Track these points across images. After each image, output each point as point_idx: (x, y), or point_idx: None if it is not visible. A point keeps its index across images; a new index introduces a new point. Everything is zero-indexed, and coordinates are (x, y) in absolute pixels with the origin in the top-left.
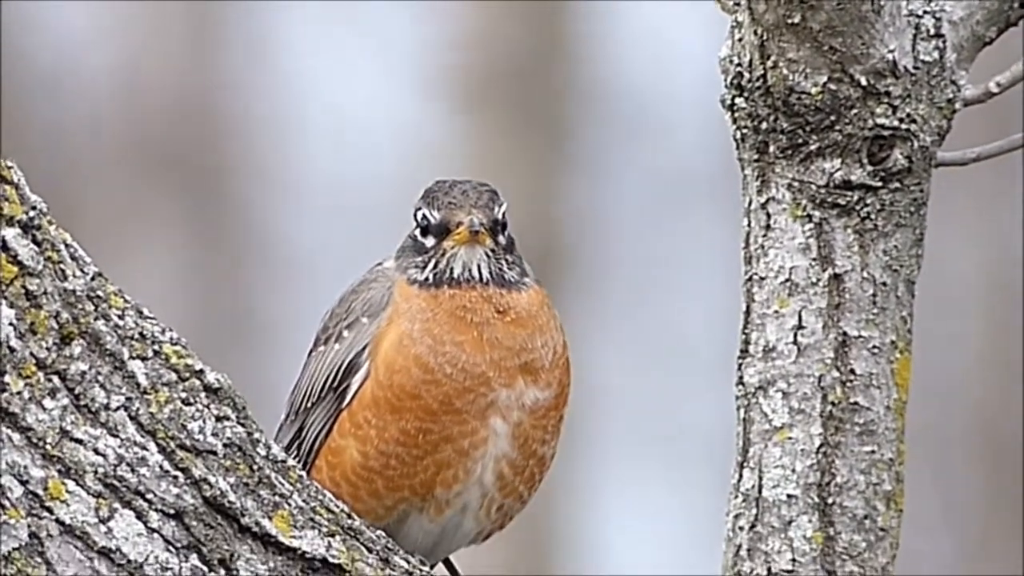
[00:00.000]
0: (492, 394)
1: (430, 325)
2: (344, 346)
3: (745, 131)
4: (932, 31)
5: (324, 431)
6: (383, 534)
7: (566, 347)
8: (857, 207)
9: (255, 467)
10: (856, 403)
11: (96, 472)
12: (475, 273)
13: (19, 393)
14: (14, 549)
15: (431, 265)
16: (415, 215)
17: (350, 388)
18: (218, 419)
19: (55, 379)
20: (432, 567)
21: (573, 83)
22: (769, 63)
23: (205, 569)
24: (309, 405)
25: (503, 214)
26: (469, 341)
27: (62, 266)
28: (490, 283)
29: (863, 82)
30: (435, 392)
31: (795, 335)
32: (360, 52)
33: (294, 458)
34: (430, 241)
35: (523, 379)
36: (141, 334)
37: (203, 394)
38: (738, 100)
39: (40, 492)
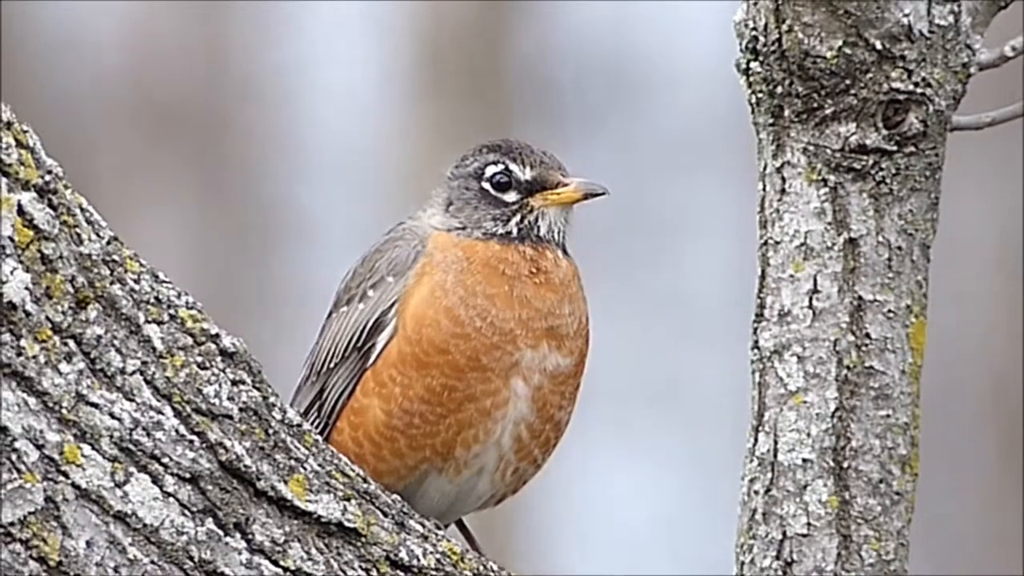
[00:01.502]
0: (517, 353)
1: (464, 276)
2: (369, 305)
3: (760, 95)
4: None
5: (347, 391)
6: (399, 498)
7: (589, 320)
8: (872, 171)
9: (270, 431)
10: (871, 367)
11: (112, 436)
12: (556, 235)
13: (35, 357)
14: (30, 513)
15: (516, 219)
16: (483, 170)
17: (375, 347)
18: (234, 383)
19: (71, 343)
20: (445, 527)
21: (558, 45)
22: (784, 27)
23: (221, 533)
24: (332, 366)
25: None
26: (500, 295)
27: (78, 230)
28: (559, 247)
29: (878, 46)
30: (463, 347)
31: (810, 299)
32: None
33: (315, 419)
34: (511, 196)
35: (547, 343)
36: (157, 298)
37: (219, 358)
38: (753, 64)
39: (56, 456)
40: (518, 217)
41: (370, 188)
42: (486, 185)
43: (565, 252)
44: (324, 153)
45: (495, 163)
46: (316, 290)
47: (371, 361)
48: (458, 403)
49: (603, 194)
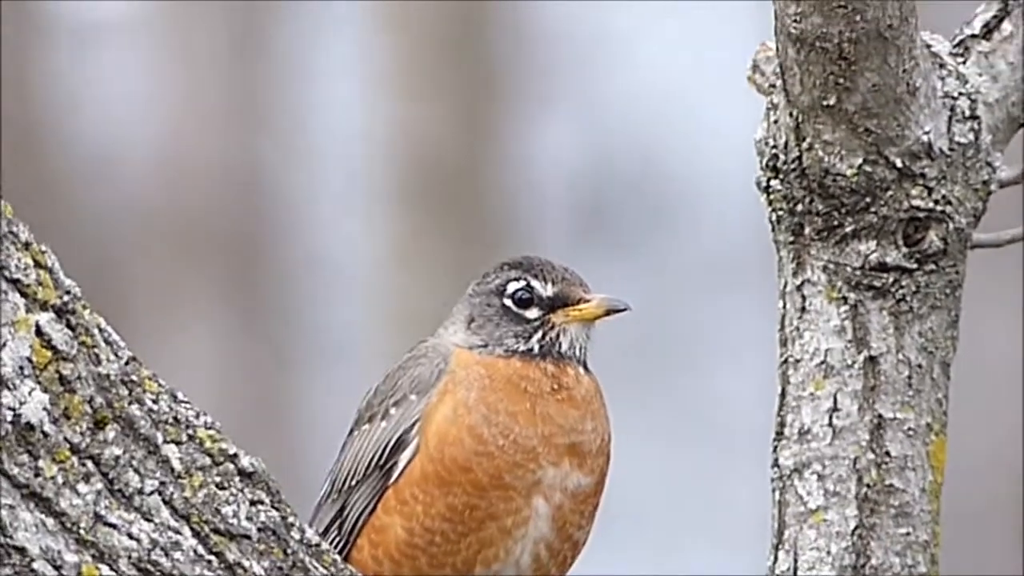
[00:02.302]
0: (540, 471)
1: (486, 393)
2: (391, 424)
3: (780, 213)
4: (967, 113)
5: (368, 509)
6: None
7: (611, 438)
8: (892, 289)
9: (289, 551)
10: (891, 485)
11: (130, 557)
12: (578, 352)
13: (53, 478)
14: None
15: (537, 336)
16: (505, 286)
17: (397, 465)
18: (252, 503)
19: (89, 464)
20: None
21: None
22: (804, 145)
23: None
24: (353, 483)
25: None
26: (522, 413)
27: (96, 350)
28: (580, 364)
29: (898, 164)
30: (486, 465)
31: (830, 417)
32: None
33: (335, 537)
34: (533, 313)
35: (569, 460)
36: (175, 418)
37: (237, 478)
38: (773, 182)
39: None
40: (540, 334)
41: (389, 308)
42: (508, 302)
43: (587, 368)
44: (348, 270)
45: (517, 279)
46: (341, 411)
47: (393, 479)
48: (479, 522)
49: (625, 310)
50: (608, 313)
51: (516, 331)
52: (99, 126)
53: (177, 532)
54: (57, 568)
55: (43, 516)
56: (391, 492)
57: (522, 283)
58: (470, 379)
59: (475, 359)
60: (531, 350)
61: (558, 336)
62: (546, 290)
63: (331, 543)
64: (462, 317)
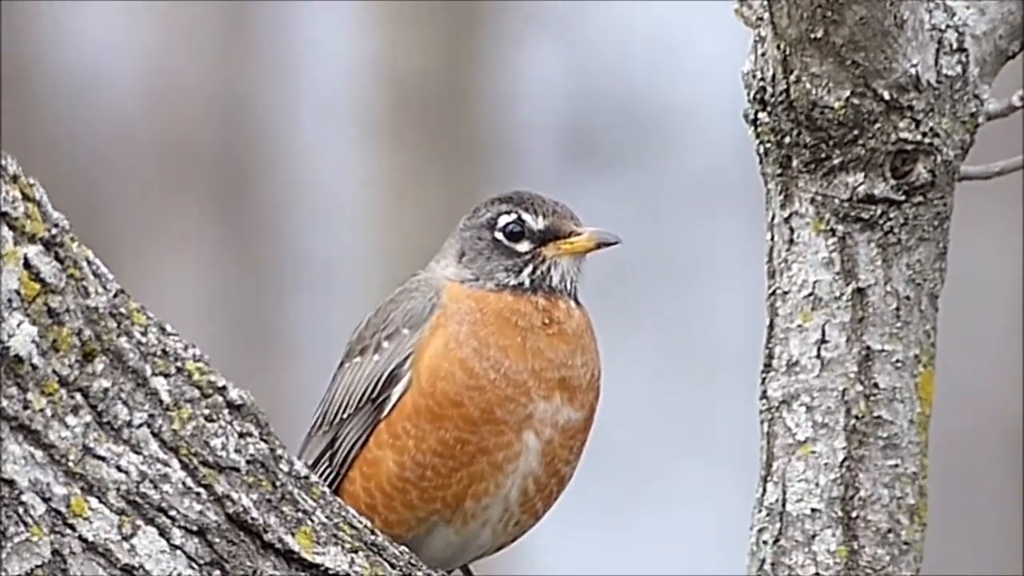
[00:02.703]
0: (531, 405)
1: (477, 328)
2: (384, 357)
3: (768, 145)
4: (955, 45)
5: (360, 442)
6: (406, 550)
7: (601, 373)
8: (880, 221)
9: (278, 483)
10: (879, 417)
11: (119, 489)
12: (568, 285)
13: (42, 410)
14: (36, 566)
15: (528, 270)
16: (496, 220)
17: (389, 399)
18: (241, 435)
19: (77, 396)
20: (449, 573)
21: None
22: (792, 77)
23: None
24: (344, 416)
25: None
26: (513, 347)
27: (84, 283)
28: (571, 297)
29: (886, 96)
30: (478, 399)
31: (818, 349)
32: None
33: (327, 469)
34: (524, 246)
35: (560, 395)
36: (164, 351)
37: (226, 411)
38: (761, 115)
39: (63, 509)
40: (530, 267)
41: (381, 238)
42: (499, 235)
43: (577, 302)
44: (337, 198)
45: (507, 213)
46: (331, 341)
47: (385, 413)
48: (470, 456)
49: (616, 243)
50: (599, 246)
51: (507, 265)
52: (82, 51)
53: (166, 464)
54: (46, 500)
55: (32, 448)
56: (383, 426)
57: (513, 216)
58: (461, 313)
59: (466, 293)
60: (522, 284)
61: (549, 269)
62: (537, 223)
63: (321, 475)
64: (453, 251)
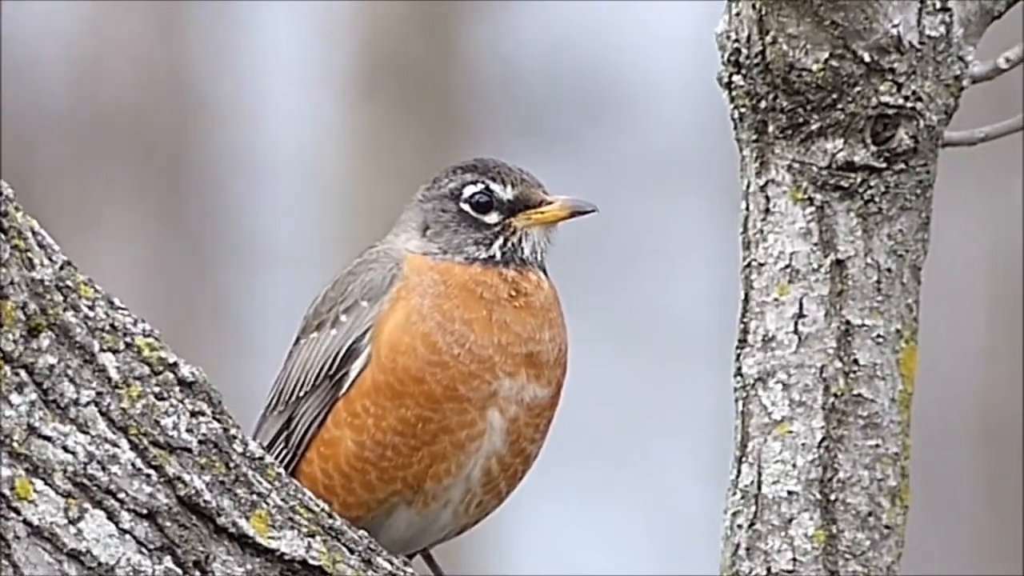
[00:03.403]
0: (496, 382)
1: (440, 300)
2: (342, 332)
3: (743, 110)
4: (938, 4)
5: (317, 421)
6: (365, 534)
7: (568, 348)
8: (860, 190)
9: (231, 464)
10: (859, 395)
11: (65, 471)
12: (539, 257)
13: None
14: None
15: (499, 242)
16: (461, 190)
17: (348, 376)
18: (193, 414)
19: (22, 373)
20: (411, 557)
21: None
22: (768, 39)
23: (179, 571)
24: (301, 395)
25: None
26: (478, 320)
27: (29, 255)
28: (541, 269)
29: (866, 58)
30: (440, 375)
31: (796, 324)
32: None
33: (282, 450)
34: (493, 217)
35: (526, 372)
36: (112, 326)
37: (177, 388)
38: (736, 78)
39: (6, 492)
40: (501, 239)
41: (327, 206)
42: (465, 207)
43: (546, 274)
44: (280, 169)
45: (473, 183)
46: (279, 318)
47: (343, 390)
48: (432, 435)
49: (592, 211)
50: (573, 215)
51: (476, 238)
52: (14, 20)
53: (114, 445)
54: None
55: None
56: (341, 404)
57: (480, 186)
58: (424, 285)
59: (429, 264)
60: (493, 257)
61: (520, 241)
62: (506, 193)
63: (277, 456)
64: (414, 224)
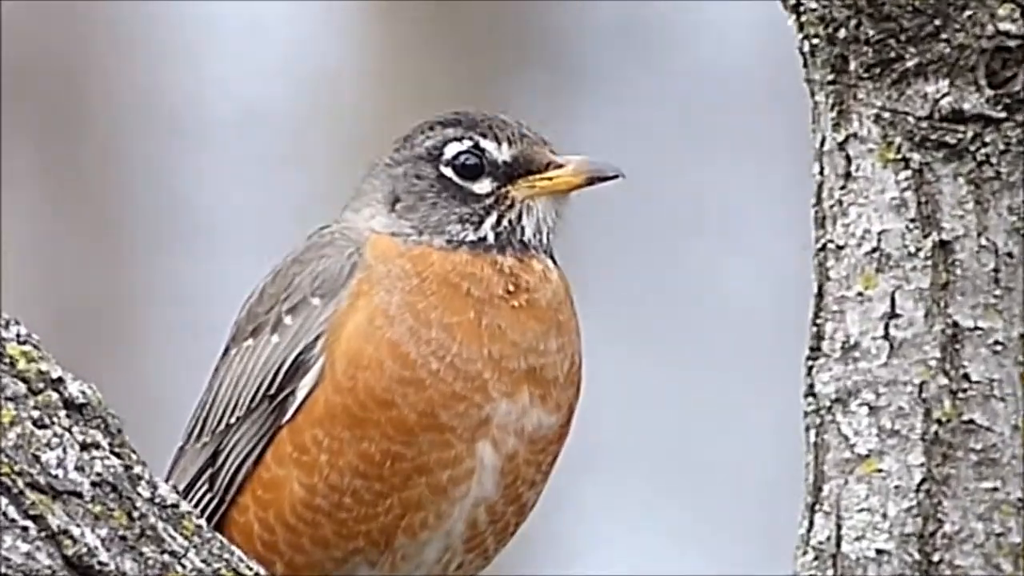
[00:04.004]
0: (488, 406)
1: (414, 298)
2: (286, 338)
3: (816, 41)
4: None
5: (253, 457)
6: None
7: (582, 361)
8: (972, 148)
9: (135, 514)
10: (971, 421)
11: None
12: (544, 239)
13: None
14: None
15: (492, 219)
16: (442, 149)
17: (294, 396)
18: (84, 447)
19: None
20: None
21: None
22: None
23: None
24: (232, 421)
25: None
26: (463, 325)
27: None
28: (547, 255)
29: None
30: (414, 398)
31: (886, 327)
32: None
33: (206, 494)
34: (484, 186)
35: (529, 392)
36: None
37: (63, 413)
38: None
39: None
40: (494, 215)
41: (287, 166)
42: (447, 171)
43: (555, 262)
44: (218, 117)
45: (458, 139)
46: (209, 314)
47: (288, 416)
48: (405, 477)
49: (615, 177)
50: (591, 182)
51: (461, 213)
52: None
53: None
54: None
55: None
56: (285, 434)
57: (467, 144)
58: (392, 277)
59: (398, 249)
60: (484, 239)
61: (520, 217)
62: (501, 152)
63: (198, 503)
64: (380, 196)
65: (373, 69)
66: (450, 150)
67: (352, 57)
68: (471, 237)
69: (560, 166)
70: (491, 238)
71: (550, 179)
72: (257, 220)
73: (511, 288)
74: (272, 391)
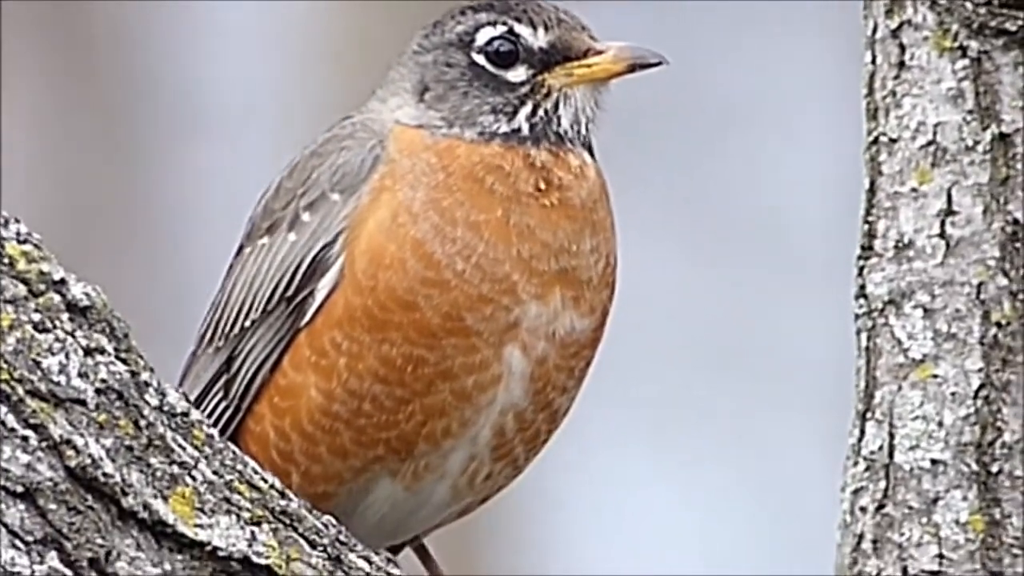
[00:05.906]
0: (517, 309)
1: (439, 194)
2: (304, 236)
3: None
4: None
5: (270, 362)
6: (333, 520)
7: (617, 262)
8: None
9: (142, 423)
10: None
11: None
12: (582, 130)
13: None
14: None
15: (527, 109)
16: (474, 35)
17: (313, 297)
18: (88, 352)
19: None
20: (398, 551)
21: None
22: None
23: (69, 574)
24: (247, 325)
25: None
26: (491, 223)
27: None
28: (585, 148)
29: None
30: (438, 300)
31: (942, 224)
32: None
33: (220, 402)
34: (519, 74)
35: (561, 294)
36: None
37: (65, 316)
38: None
39: None
40: (529, 105)
41: (306, 61)
42: (479, 58)
43: (592, 155)
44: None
45: (491, 24)
46: (223, 211)
47: (306, 319)
48: (427, 383)
49: (658, 64)
50: (632, 69)
51: (494, 103)
52: None
53: None
54: None
55: None
56: (303, 337)
57: (501, 29)
58: (417, 172)
59: (424, 142)
60: (518, 130)
61: (557, 106)
62: (536, 38)
63: (211, 412)
64: (408, 85)
65: None
66: (482, 36)
67: None
68: (504, 128)
69: (599, 52)
70: (525, 129)
71: (589, 66)
72: (275, 104)
73: (542, 185)
74: (290, 292)
